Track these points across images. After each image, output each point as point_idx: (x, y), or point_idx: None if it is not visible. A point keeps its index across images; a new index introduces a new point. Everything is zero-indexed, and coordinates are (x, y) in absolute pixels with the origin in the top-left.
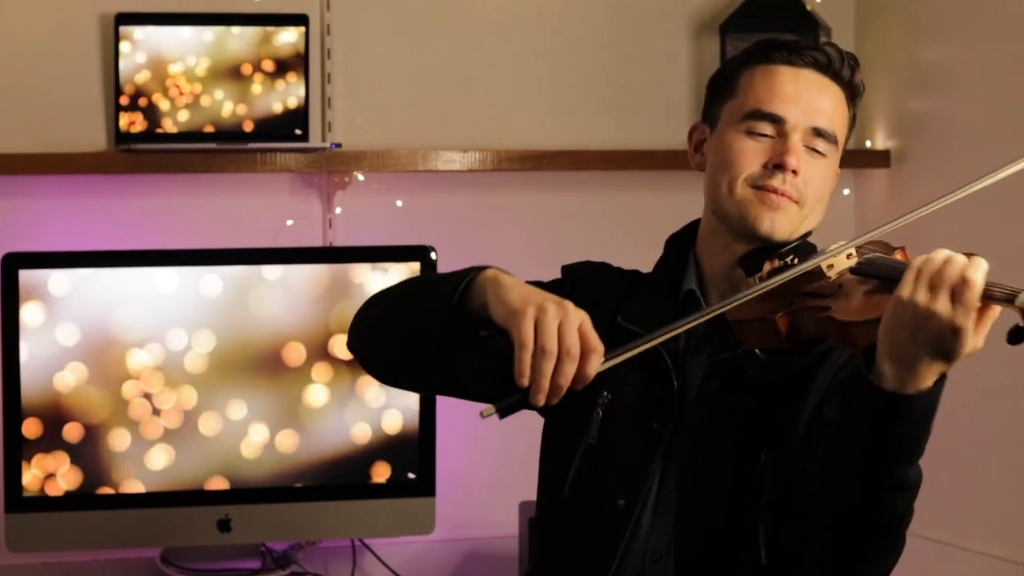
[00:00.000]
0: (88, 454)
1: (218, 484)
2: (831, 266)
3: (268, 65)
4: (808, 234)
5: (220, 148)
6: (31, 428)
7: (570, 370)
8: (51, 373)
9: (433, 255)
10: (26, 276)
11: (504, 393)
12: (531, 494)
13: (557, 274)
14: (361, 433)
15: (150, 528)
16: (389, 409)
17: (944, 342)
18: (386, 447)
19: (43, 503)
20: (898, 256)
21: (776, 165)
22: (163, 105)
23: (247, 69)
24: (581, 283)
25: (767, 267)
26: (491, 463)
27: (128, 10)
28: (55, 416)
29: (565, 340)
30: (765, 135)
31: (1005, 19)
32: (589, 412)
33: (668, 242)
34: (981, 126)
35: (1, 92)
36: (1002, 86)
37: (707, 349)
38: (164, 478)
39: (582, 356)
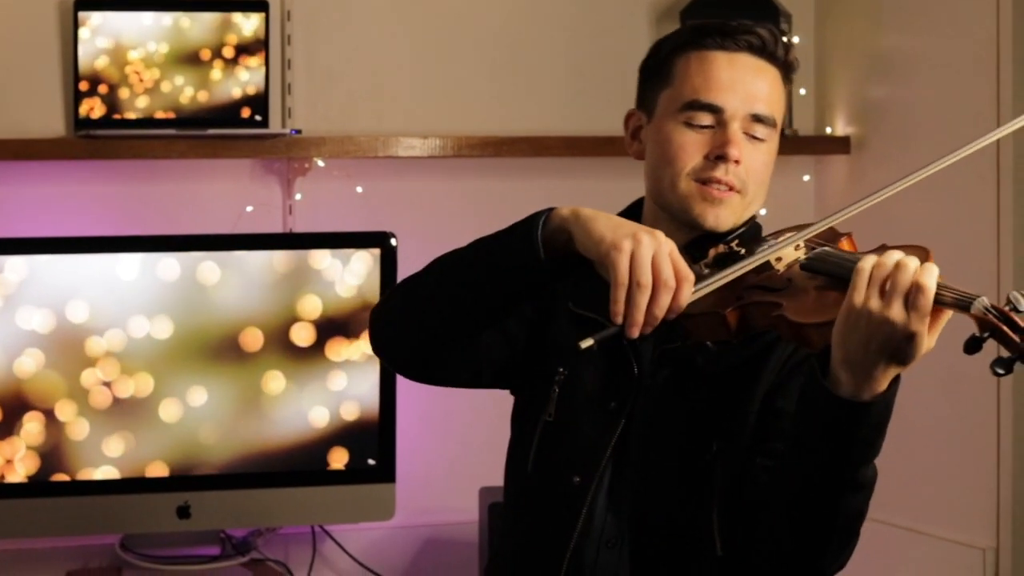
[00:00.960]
0: (46, 441)
1: (177, 471)
2: (779, 258)
3: (228, 51)
4: (753, 218)
5: (180, 134)
6: None
7: (665, 300)
8: (9, 359)
9: (393, 241)
10: None
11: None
12: (491, 480)
13: None
14: (320, 419)
15: (109, 515)
16: (349, 395)
17: (899, 347)
18: (346, 433)
19: (2, 490)
20: (845, 244)
21: (718, 156)
22: (122, 91)
23: (207, 55)
24: None
25: (712, 253)
26: (451, 449)
27: None
28: (13, 402)
29: (662, 271)
30: (704, 125)
31: (964, 7)
32: (547, 388)
33: None
34: (940, 113)
35: None
36: (960, 73)
37: (652, 336)
38: (123, 465)
39: (676, 286)
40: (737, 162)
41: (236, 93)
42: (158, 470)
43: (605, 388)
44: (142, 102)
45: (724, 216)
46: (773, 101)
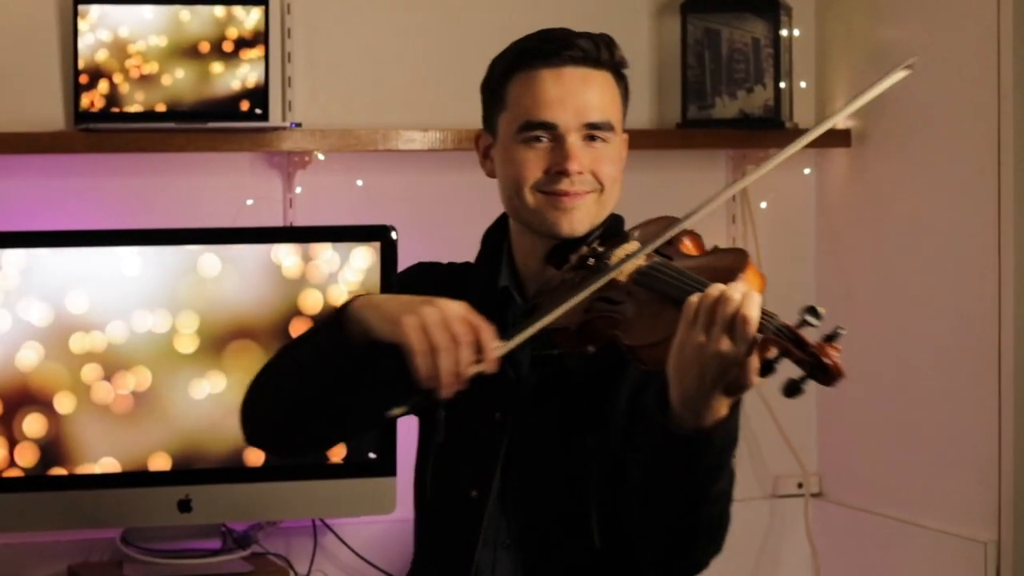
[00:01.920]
0: (47, 434)
1: (178, 464)
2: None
3: (228, 44)
4: (610, 216)
5: (180, 127)
6: None
7: (466, 356)
8: (8, 353)
9: (393, 234)
10: None
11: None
12: None
13: None
14: None
15: (110, 509)
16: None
17: (731, 378)
18: None
19: (2, 484)
20: (687, 244)
21: (558, 172)
22: (122, 84)
23: (207, 48)
24: (409, 289)
25: (573, 258)
26: None
27: None
28: (13, 396)
29: (454, 329)
30: (542, 140)
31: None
32: (435, 415)
33: (484, 237)
34: (941, 105)
35: None
36: (961, 66)
37: (529, 342)
38: (124, 458)
39: (475, 338)
40: (580, 172)
41: (236, 86)
42: (159, 464)
43: (488, 400)
44: (142, 95)
45: (578, 219)
46: (606, 105)
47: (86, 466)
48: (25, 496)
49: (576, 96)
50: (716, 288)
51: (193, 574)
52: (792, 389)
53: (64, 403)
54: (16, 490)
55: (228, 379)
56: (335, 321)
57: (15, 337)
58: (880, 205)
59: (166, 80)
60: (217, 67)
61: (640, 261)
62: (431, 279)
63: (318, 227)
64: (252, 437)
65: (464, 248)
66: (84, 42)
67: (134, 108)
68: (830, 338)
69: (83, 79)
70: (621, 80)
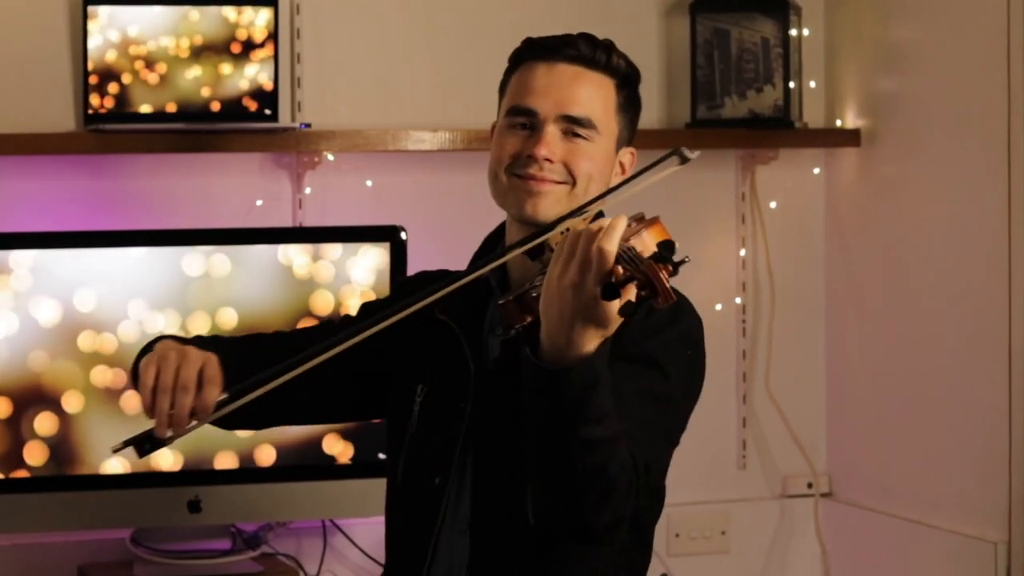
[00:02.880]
0: (57, 435)
1: (188, 465)
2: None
3: (237, 45)
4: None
5: (189, 128)
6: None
7: (185, 401)
8: (20, 353)
9: (403, 235)
10: None
11: None
12: None
13: None
14: None
15: (120, 509)
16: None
17: (587, 315)
18: (356, 427)
19: (12, 484)
20: (651, 230)
21: (528, 155)
22: (132, 85)
23: (216, 49)
24: (405, 292)
25: (548, 249)
26: None
27: None
28: (23, 396)
29: (180, 376)
30: (524, 127)
31: None
32: (410, 408)
33: (484, 239)
34: (951, 104)
35: None
36: (971, 64)
37: (498, 329)
38: (134, 459)
39: (200, 388)
40: (549, 160)
41: (245, 87)
42: (169, 464)
43: (453, 390)
44: (151, 96)
45: (544, 205)
46: (593, 104)
47: (97, 467)
48: (35, 496)
49: (562, 89)
50: (599, 222)
51: (203, 575)
52: (625, 308)
53: (74, 404)
54: (26, 490)
55: None
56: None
57: (25, 337)
58: (890, 205)
59: (176, 81)
60: (226, 68)
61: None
62: (422, 282)
63: (328, 227)
64: None
65: (473, 248)
66: (94, 43)
67: (143, 109)
68: (672, 265)
69: (93, 80)
70: (623, 88)
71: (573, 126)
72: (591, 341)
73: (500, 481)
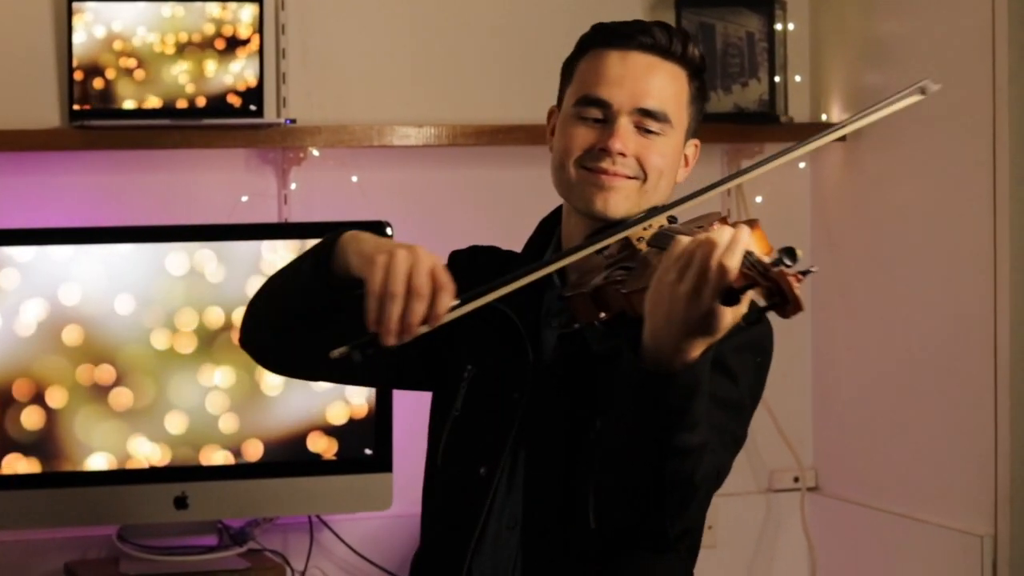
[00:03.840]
0: (43, 432)
1: (175, 461)
2: (641, 238)
3: (222, 41)
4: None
5: (175, 124)
6: None
7: (419, 309)
8: (4, 350)
9: (389, 231)
10: None
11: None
12: None
13: (512, 246)
14: (317, 409)
15: (106, 506)
16: (344, 385)
17: (701, 323)
18: (342, 423)
19: None
20: (715, 226)
21: (601, 149)
22: (117, 81)
23: (201, 44)
24: (461, 269)
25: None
26: None
27: None
28: (8, 393)
29: (413, 280)
30: (595, 119)
31: None
32: (456, 386)
33: (539, 224)
34: (936, 99)
35: None
36: (956, 59)
37: (555, 322)
38: (120, 455)
39: (433, 295)
40: (623, 154)
41: (230, 83)
42: (155, 461)
43: (507, 378)
44: (137, 92)
45: (615, 201)
46: (667, 97)
47: (83, 463)
48: (22, 493)
49: (637, 80)
50: (704, 233)
51: (190, 571)
52: (751, 315)
53: (60, 400)
54: (13, 488)
55: (224, 375)
56: (323, 249)
57: (10, 334)
58: (875, 200)
59: (161, 77)
60: (211, 64)
61: (651, 233)
62: (476, 259)
63: (313, 223)
64: (244, 343)
65: (459, 243)
66: (78, 39)
67: (128, 105)
68: (789, 264)
69: (78, 76)
70: (694, 79)
71: (647, 120)
72: (698, 347)
73: (555, 481)
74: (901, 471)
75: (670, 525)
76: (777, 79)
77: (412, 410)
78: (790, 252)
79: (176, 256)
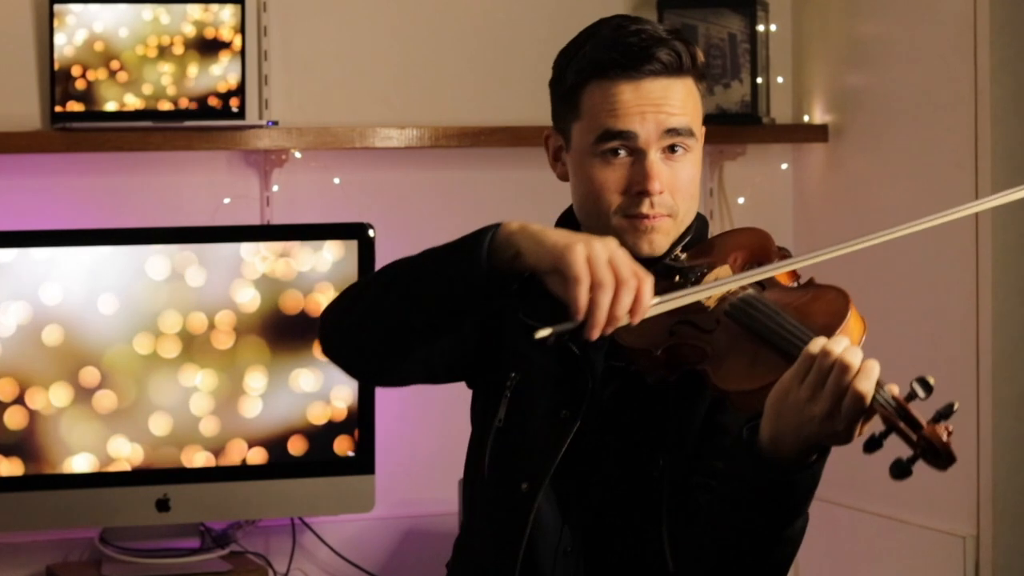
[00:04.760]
0: (25, 434)
1: (156, 464)
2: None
3: (204, 43)
4: (692, 225)
5: (157, 126)
6: None
7: (627, 299)
8: None
9: (371, 232)
10: None
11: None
12: None
13: None
14: (300, 412)
15: (88, 508)
16: (327, 388)
17: (827, 439)
18: (325, 426)
19: None
20: (782, 277)
21: (639, 192)
22: (99, 83)
23: (183, 47)
24: None
25: (658, 269)
26: (431, 440)
27: None
28: None
29: (621, 271)
30: (620, 154)
31: None
32: (499, 393)
33: (556, 224)
34: (918, 100)
35: None
36: (938, 60)
37: (603, 348)
38: (102, 458)
39: (637, 286)
40: (661, 192)
41: (212, 85)
42: (137, 463)
43: (557, 397)
44: (119, 94)
45: (658, 241)
46: (688, 110)
47: (65, 466)
48: (3, 496)
49: (656, 105)
50: (833, 350)
51: (172, 573)
52: (900, 471)
53: (42, 403)
54: None
55: (206, 377)
56: (470, 244)
57: None
58: (857, 200)
59: (142, 79)
60: (193, 66)
61: (731, 287)
62: None
63: (295, 225)
64: (331, 354)
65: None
66: (60, 41)
67: (110, 107)
68: (942, 415)
69: (59, 78)
70: (702, 80)
71: (676, 140)
72: (815, 454)
73: (615, 513)
74: (884, 472)
75: None
76: (759, 80)
77: (394, 412)
78: (926, 385)
79: (158, 258)
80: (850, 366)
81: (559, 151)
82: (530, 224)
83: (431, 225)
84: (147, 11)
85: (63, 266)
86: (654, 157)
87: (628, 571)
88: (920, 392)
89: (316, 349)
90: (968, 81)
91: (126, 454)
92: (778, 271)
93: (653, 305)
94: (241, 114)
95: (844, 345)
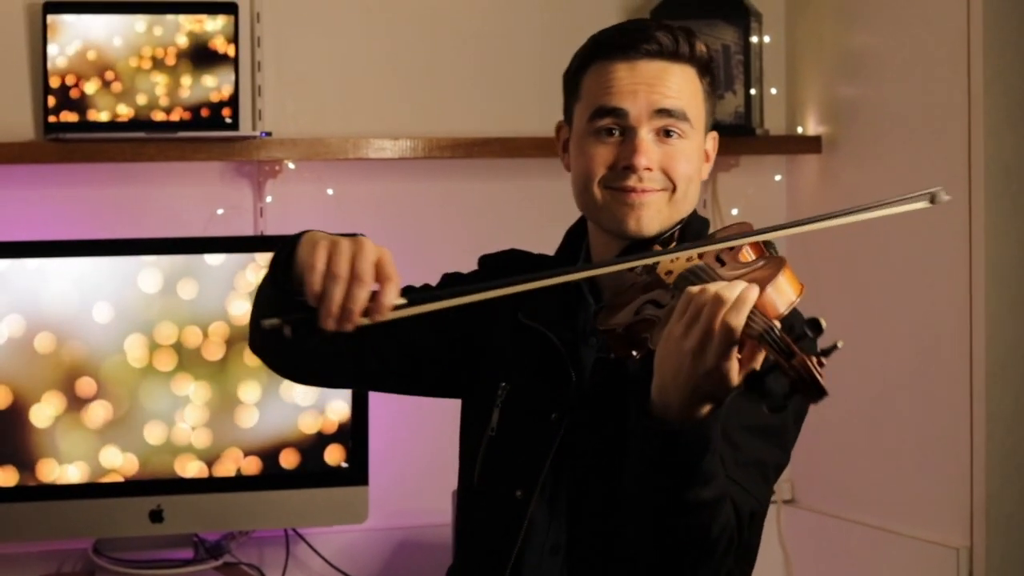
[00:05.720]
0: (18, 445)
1: (150, 475)
2: (670, 272)
3: (198, 54)
4: (685, 219)
5: (150, 137)
6: None
7: (361, 295)
8: None
9: None
10: None
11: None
12: None
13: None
14: (294, 423)
15: (82, 519)
16: (321, 399)
17: (705, 383)
18: (318, 437)
19: None
20: (747, 252)
21: (625, 167)
22: (92, 94)
23: (176, 58)
24: (488, 271)
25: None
26: (424, 451)
27: None
28: None
29: (356, 266)
30: (612, 132)
31: (934, 5)
32: (490, 404)
33: (566, 234)
34: (911, 111)
35: None
36: (931, 71)
37: (592, 340)
38: (96, 469)
39: (379, 285)
40: (648, 168)
41: (206, 96)
42: (131, 474)
43: (545, 399)
44: (112, 105)
45: (647, 218)
46: (684, 96)
47: (58, 477)
48: None
49: (650, 85)
50: (710, 287)
51: None
52: (773, 403)
53: (35, 414)
54: None
55: (199, 388)
56: (288, 246)
57: None
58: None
59: (136, 89)
60: (187, 77)
61: (687, 263)
62: (511, 263)
63: (289, 236)
64: (254, 352)
65: (435, 256)
66: (53, 51)
67: (103, 118)
68: (824, 352)
69: (53, 89)
70: (705, 75)
71: (668, 121)
72: (704, 408)
73: (598, 510)
74: (877, 483)
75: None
76: (753, 92)
77: (388, 424)
78: (815, 325)
79: (151, 269)
80: (724, 300)
81: (567, 143)
82: (315, 232)
83: (425, 235)
84: (141, 22)
85: (57, 276)
86: (644, 135)
87: (603, 568)
88: (808, 332)
89: None
90: (961, 93)
91: (119, 465)
92: (727, 244)
93: (401, 307)
94: (235, 125)
95: (722, 287)
